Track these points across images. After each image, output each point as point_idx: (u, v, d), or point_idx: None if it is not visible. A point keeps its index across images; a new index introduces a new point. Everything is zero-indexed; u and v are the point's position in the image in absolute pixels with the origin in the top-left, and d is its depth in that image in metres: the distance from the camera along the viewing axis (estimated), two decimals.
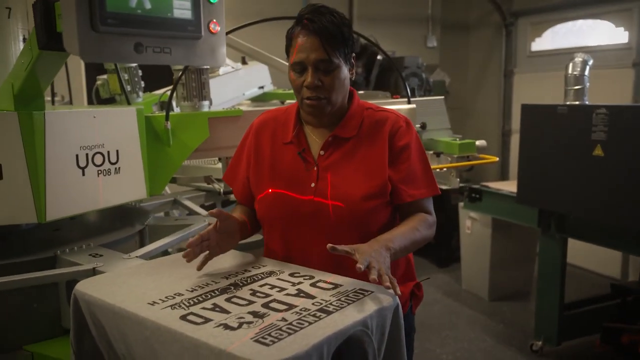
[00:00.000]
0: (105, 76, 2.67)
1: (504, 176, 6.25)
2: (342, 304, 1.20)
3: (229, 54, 2.70)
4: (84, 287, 1.35)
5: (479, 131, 6.37)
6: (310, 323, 1.10)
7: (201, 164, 2.61)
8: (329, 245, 1.28)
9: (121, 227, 2.09)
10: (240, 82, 3.42)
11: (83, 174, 1.78)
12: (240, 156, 1.69)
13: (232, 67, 3.41)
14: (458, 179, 2.63)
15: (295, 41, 1.45)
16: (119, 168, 1.92)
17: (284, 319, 1.12)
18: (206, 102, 2.27)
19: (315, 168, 1.52)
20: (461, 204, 4.56)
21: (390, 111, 1.58)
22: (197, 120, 2.21)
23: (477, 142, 2.53)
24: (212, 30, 1.48)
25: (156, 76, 2.81)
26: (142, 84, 2.63)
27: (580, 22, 5.60)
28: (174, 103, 2.28)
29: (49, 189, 1.67)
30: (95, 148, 1.82)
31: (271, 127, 1.63)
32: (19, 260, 1.69)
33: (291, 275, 1.40)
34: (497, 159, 2.94)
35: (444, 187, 5.46)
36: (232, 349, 1.00)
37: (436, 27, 6.39)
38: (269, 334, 1.05)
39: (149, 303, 1.22)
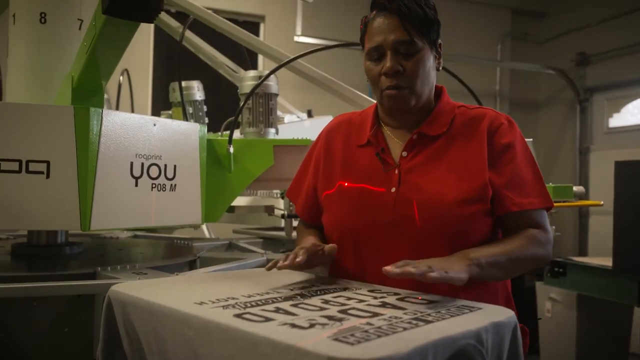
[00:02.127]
0: (170, 111, 2.60)
1: (582, 255, 5.70)
2: (444, 316, 0.91)
3: (295, 79, 2.58)
4: (120, 287, 1.12)
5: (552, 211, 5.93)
6: (405, 329, 0.82)
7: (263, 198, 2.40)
8: (385, 269, 1.03)
9: (170, 257, 1.88)
10: (305, 133, 3.28)
11: (136, 185, 1.61)
12: (307, 167, 1.46)
13: (298, 117, 3.30)
14: None
15: (371, 25, 1.25)
16: (175, 185, 1.74)
17: (369, 324, 0.84)
18: (272, 130, 2.11)
19: (396, 171, 1.26)
20: (539, 283, 4.10)
21: (488, 108, 1.34)
22: (262, 147, 2.03)
23: (575, 188, 2.22)
24: None
25: (221, 114, 2.71)
26: (206, 119, 2.52)
27: None
28: (236, 132, 2.13)
29: (97, 194, 1.50)
30: (152, 159, 1.66)
31: (345, 129, 1.40)
32: (56, 273, 1.50)
33: (371, 291, 1.12)
34: (602, 202, 2.58)
35: None
36: (303, 344, 0.72)
37: (504, 103, 6.20)
38: (352, 335, 0.77)
39: (195, 303, 0.97)
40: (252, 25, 5.28)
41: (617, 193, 2.99)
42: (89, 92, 1.50)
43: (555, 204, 2.21)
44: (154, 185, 1.67)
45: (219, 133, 2.62)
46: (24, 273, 1.51)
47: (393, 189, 1.24)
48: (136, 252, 2.08)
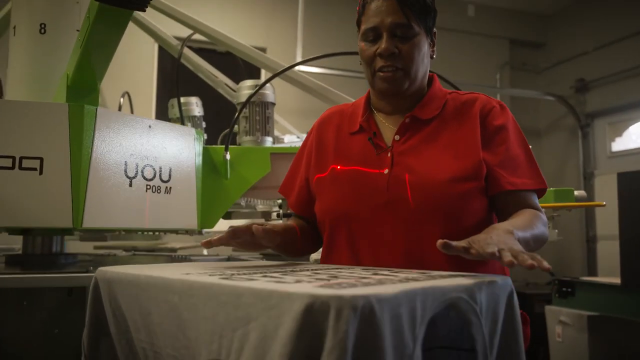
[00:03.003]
0: None
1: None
2: (434, 277, 0.88)
3: (296, 93, 2.58)
4: (107, 268, 1.09)
5: (560, 245, 5.87)
6: (394, 282, 0.79)
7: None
8: (440, 241, 0.91)
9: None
10: None
11: (130, 185, 1.60)
12: (299, 161, 1.44)
13: (298, 137, 3.30)
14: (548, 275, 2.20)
15: (369, 7, 1.24)
16: (170, 188, 1.73)
17: (358, 279, 0.81)
18: (269, 138, 2.11)
19: (389, 154, 1.24)
20: (548, 307, 4.00)
21: (480, 94, 1.32)
22: (259, 155, 2.03)
23: (576, 192, 2.19)
24: None
25: (221, 130, 2.71)
26: (205, 135, 2.53)
27: None
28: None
29: (90, 191, 1.49)
30: (147, 160, 1.65)
31: (336, 120, 1.39)
32: (49, 272, 1.47)
33: (364, 269, 1.09)
34: (605, 203, 2.53)
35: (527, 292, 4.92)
36: (287, 288, 0.70)
37: None
38: (339, 284, 0.74)
39: (182, 273, 0.94)
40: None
41: (621, 205, 2.95)
42: (84, 91, 1.51)
43: (558, 204, 2.18)
44: (148, 187, 1.66)
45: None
46: (17, 272, 1.49)
47: (386, 171, 1.22)
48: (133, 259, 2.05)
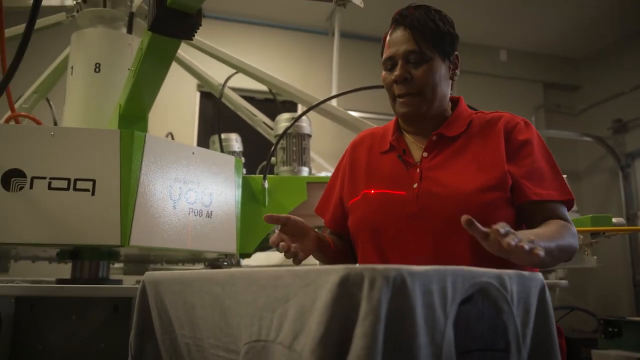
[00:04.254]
0: None
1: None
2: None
3: (332, 133, 2.66)
4: (154, 272, 1.16)
5: (604, 285, 5.67)
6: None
7: None
8: (465, 217, 0.94)
9: None
10: None
11: (174, 207, 1.69)
12: (334, 182, 1.51)
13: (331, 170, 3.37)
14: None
15: (388, 39, 1.34)
16: (211, 212, 1.81)
17: None
18: (306, 168, 2.19)
19: (417, 170, 1.29)
20: (595, 351, 3.84)
21: (504, 112, 1.36)
22: (295, 184, 2.11)
23: (614, 219, 2.16)
24: None
25: (257, 165, 2.81)
26: (244, 170, 2.63)
27: None
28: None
29: (137, 212, 1.58)
30: (190, 184, 1.75)
31: (368, 142, 1.46)
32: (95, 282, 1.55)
33: None
34: None
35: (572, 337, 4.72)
36: (323, 267, 0.74)
37: None
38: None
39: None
40: (291, 103, 5.57)
41: None
42: (134, 119, 1.63)
43: (599, 228, 2.15)
44: (191, 210, 1.74)
45: None
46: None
47: (415, 185, 1.27)
48: None
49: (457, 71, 1.38)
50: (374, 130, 1.51)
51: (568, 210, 1.28)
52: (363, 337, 0.65)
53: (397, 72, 1.29)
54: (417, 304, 0.70)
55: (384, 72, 1.35)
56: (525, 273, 0.90)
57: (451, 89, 1.39)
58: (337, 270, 0.70)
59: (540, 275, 0.94)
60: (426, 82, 1.29)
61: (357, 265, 0.72)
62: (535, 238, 1.01)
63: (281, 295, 0.78)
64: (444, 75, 1.32)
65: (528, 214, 1.24)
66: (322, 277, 0.72)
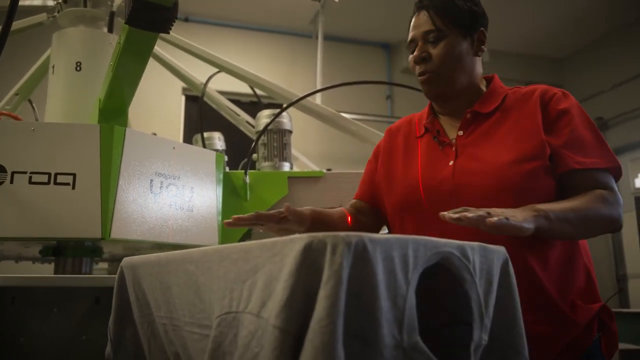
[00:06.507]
0: None
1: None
2: None
3: (311, 120, 2.71)
4: (132, 257, 1.18)
5: None
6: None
7: None
8: (442, 213, 1.03)
9: None
10: (326, 187, 3.37)
11: (155, 201, 1.71)
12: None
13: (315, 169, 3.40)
14: None
15: (410, 23, 1.38)
16: (192, 206, 1.83)
17: None
18: (287, 164, 2.22)
19: (453, 148, 1.31)
20: None
21: (541, 85, 1.35)
22: (276, 179, 2.14)
23: None
24: None
25: (238, 162, 2.84)
26: (227, 168, 2.66)
27: None
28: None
29: (118, 205, 1.60)
30: (171, 179, 1.77)
31: (405, 129, 1.49)
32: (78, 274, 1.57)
33: None
34: None
35: None
36: (289, 237, 0.77)
37: None
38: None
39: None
40: (275, 105, 5.61)
41: None
42: (114, 113, 1.65)
43: None
44: (171, 204, 1.76)
45: None
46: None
47: (451, 162, 1.29)
48: None
49: (484, 47, 1.37)
50: (411, 117, 1.53)
51: (616, 180, 1.24)
52: (325, 298, 0.68)
53: (415, 53, 1.34)
54: (379, 270, 0.73)
55: (410, 55, 1.39)
56: (489, 246, 0.94)
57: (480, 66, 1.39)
58: (302, 239, 0.73)
59: (503, 248, 0.97)
60: (444, 59, 1.31)
61: (321, 233, 0.74)
62: (550, 210, 1.09)
63: (251, 267, 0.80)
64: (466, 51, 1.33)
65: (571, 185, 1.21)
66: (288, 246, 0.75)
